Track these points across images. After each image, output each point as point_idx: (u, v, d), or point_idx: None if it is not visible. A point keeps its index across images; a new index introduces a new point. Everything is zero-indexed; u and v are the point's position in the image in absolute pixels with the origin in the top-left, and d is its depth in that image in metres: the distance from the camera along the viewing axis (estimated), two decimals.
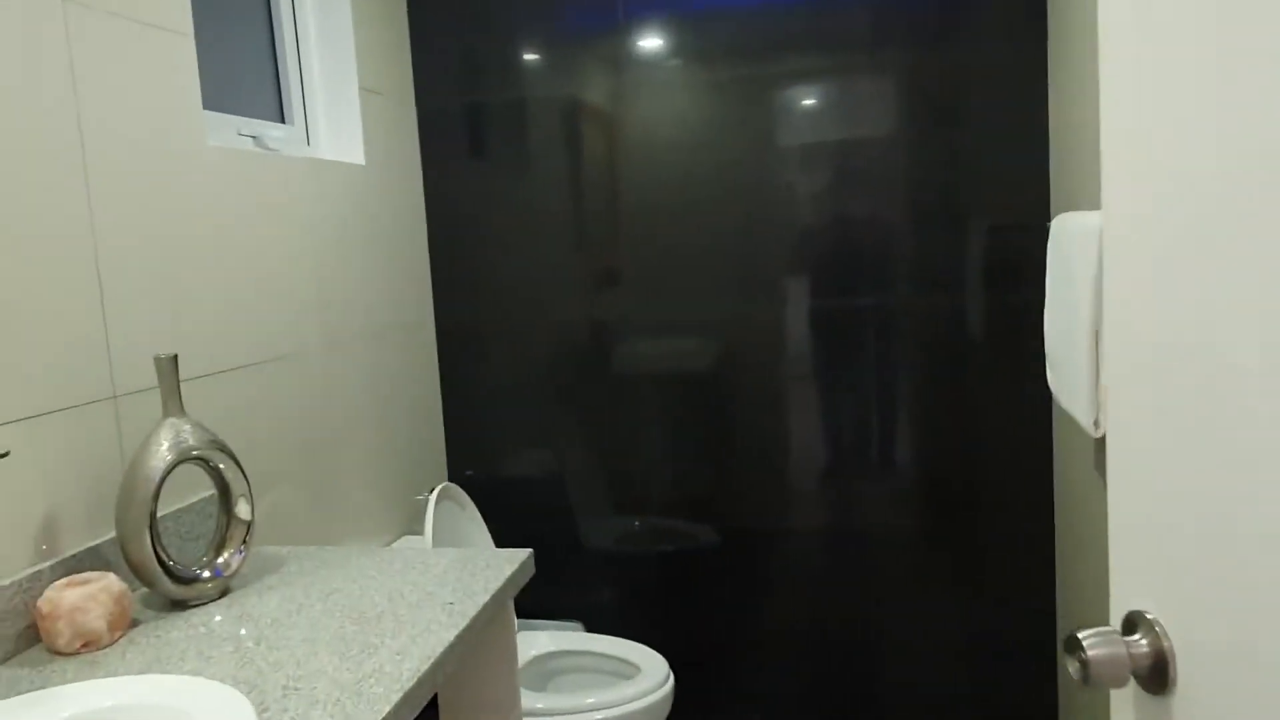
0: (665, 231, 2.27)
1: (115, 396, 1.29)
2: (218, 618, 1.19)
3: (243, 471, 1.29)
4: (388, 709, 0.92)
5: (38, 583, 1.14)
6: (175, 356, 1.21)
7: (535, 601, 2.41)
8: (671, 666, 2.33)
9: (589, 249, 2.31)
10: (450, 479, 2.44)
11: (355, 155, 2.03)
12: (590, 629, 2.36)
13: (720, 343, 2.28)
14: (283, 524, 1.68)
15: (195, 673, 1.03)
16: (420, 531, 2.19)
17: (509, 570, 1.29)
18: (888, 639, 2.30)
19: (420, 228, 2.32)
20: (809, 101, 2.14)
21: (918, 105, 2.11)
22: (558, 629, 2.30)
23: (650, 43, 2.19)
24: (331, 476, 1.86)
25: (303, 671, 1.01)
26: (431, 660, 1.02)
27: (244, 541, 1.27)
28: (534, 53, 2.26)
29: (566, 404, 2.37)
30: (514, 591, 1.29)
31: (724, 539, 2.35)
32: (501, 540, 2.38)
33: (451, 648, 1.07)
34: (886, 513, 2.26)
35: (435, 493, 1.93)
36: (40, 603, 1.10)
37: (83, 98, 1.26)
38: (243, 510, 1.28)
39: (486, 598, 1.20)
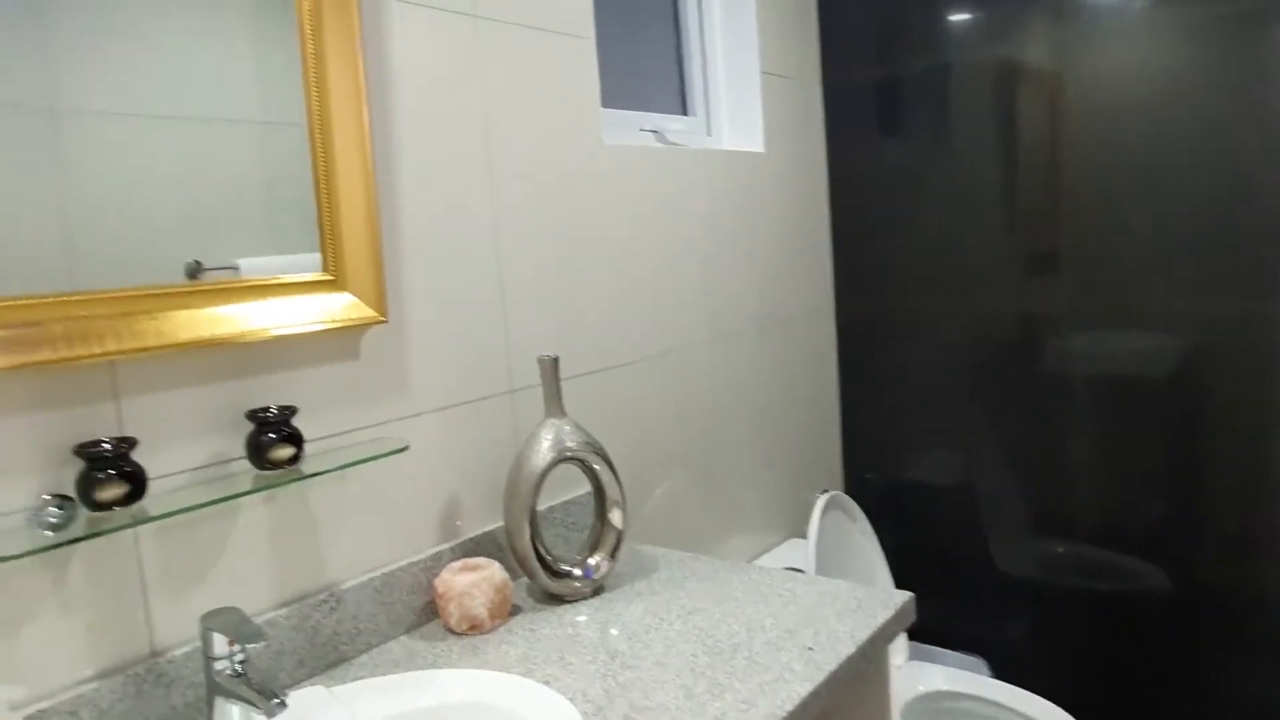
0: (1118, 208, 1.87)
1: (512, 391, 1.37)
2: (582, 618, 1.20)
3: (616, 477, 1.28)
4: None
5: (439, 562, 1.24)
6: (556, 359, 1.24)
7: (934, 625, 2.17)
8: None
9: (1021, 230, 1.99)
10: (846, 480, 2.29)
11: (755, 143, 1.96)
12: (995, 670, 2.07)
13: (1185, 342, 1.82)
14: (667, 517, 1.69)
15: (556, 677, 1.03)
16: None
17: (882, 618, 1.12)
18: None
19: (822, 214, 2.19)
20: None
21: None
22: (956, 664, 2.05)
23: None
24: (718, 472, 1.83)
25: (648, 703, 0.96)
26: (779, 719, 0.91)
27: (614, 550, 1.27)
28: (961, 11, 1.99)
29: (984, 406, 2.09)
30: (887, 643, 1.12)
31: (1179, 588, 1.89)
32: (899, 553, 2.18)
33: (804, 705, 0.94)
34: None
35: (821, 503, 1.81)
36: (436, 582, 1.19)
37: (490, 107, 1.33)
38: (615, 517, 1.27)
39: (851, 649, 1.05)
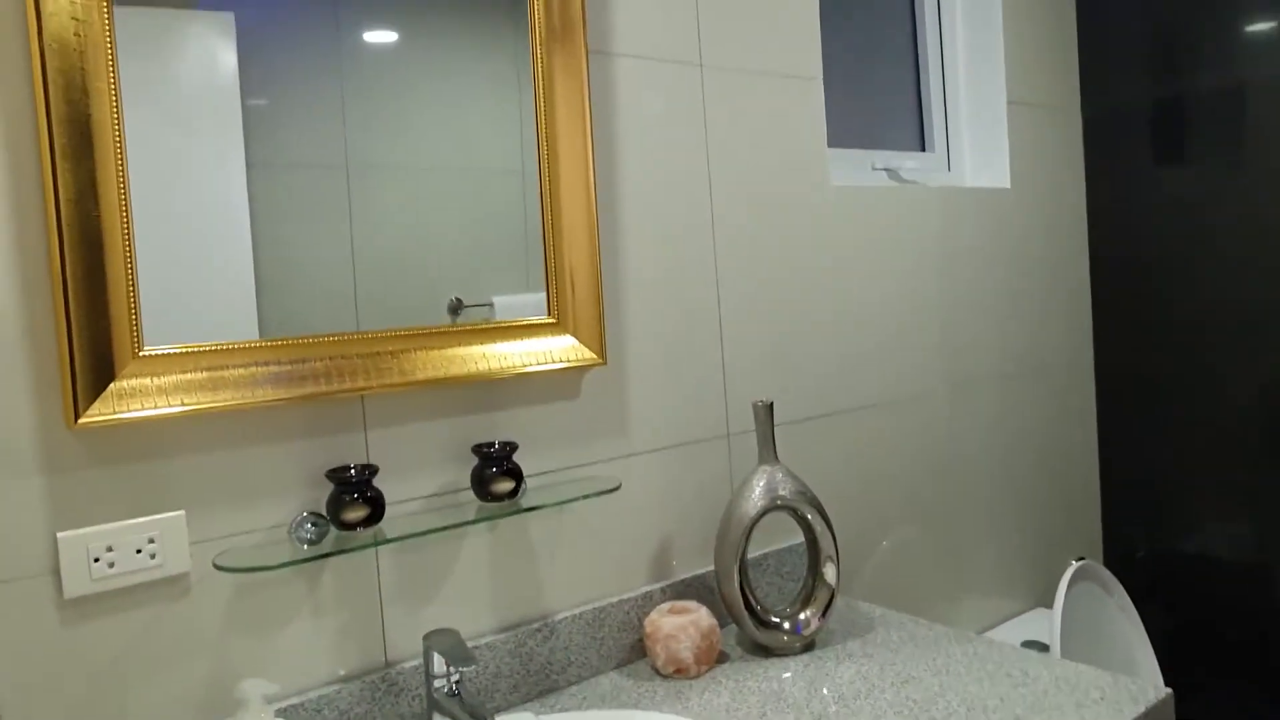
0: None
1: (729, 435, 1.37)
2: (788, 674, 1.16)
3: (831, 529, 1.23)
4: None
5: (649, 602, 1.26)
6: (770, 404, 1.22)
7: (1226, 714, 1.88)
8: None
9: None
10: (1107, 548, 2.06)
11: (1000, 178, 1.83)
12: None
13: None
14: (892, 574, 1.60)
15: None
16: None
17: (1130, 714, 0.98)
18: None
19: (1080, 253, 2.00)
20: None
21: None
22: None
23: None
24: (953, 529, 1.71)
25: None
26: None
27: (826, 607, 1.22)
28: (1262, 18, 1.75)
29: (1273, 467, 1.79)
30: None
31: None
32: (1169, 637, 1.92)
33: None
34: None
35: (1070, 572, 1.63)
36: (645, 622, 1.20)
37: (712, 151, 1.35)
38: (828, 573, 1.23)
39: None
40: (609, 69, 1.23)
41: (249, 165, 0.93)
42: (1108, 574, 1.74)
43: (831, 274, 1.51)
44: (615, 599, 1.23)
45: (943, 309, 1.69)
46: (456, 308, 1.08)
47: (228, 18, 0.92)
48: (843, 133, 1.67)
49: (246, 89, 0.93)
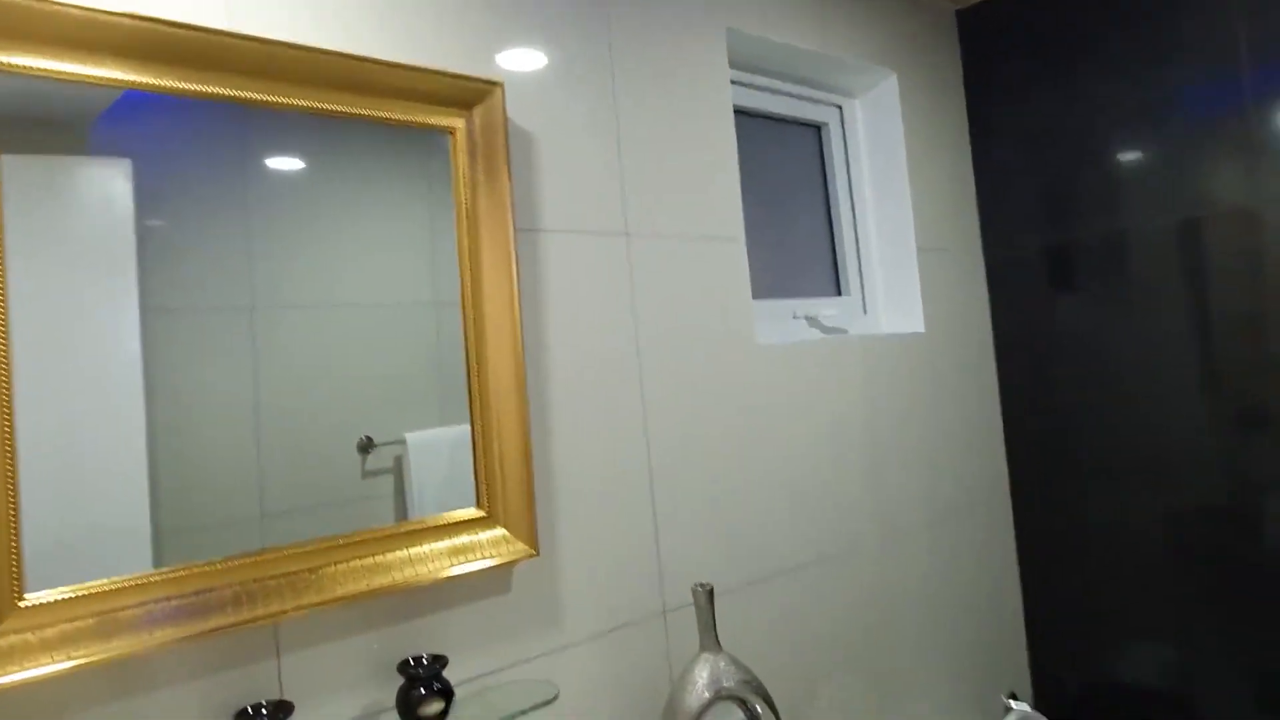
0: None
1: (664, 612, 1.31)
2: None
3: (777, 716, 1.18)
4: None
5: None
6: (711, 589, 1.18)
7: None
8: None
9: (1223, 388, 1.79)
10: (1035, 681, 2.06)
11: (915, 323, 1.88)
12: None
13: None
14: None
15: None
16: None
17: None
18: None
19: (991, 392, 2.06)
20: None
21: None
22: None
23: None
24: (889, 677, 1.68)
25: None
26: None
27: None
28: (1137, 169, 1.88)
29: (1199, 591, 1.83)
30: None
31: None
32: None
33: None
34: None
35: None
36: None
37: (641, 318, 1.33)
38: None
39: None
40: (536, 244, 1.21)
41: (143, 311, 0.86)
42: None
43: (761, 434, 1.49)
44: None
45: (868, 457, 1.69)
46: (366, 446, 1.01)
47: (124, 163, 0.87)
48: (764, 284, 1.70)
49: (144, 232, 0.87)
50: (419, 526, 1.03)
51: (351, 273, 1.02)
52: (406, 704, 0.96)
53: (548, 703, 1.04)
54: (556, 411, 1.21)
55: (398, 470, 1.04)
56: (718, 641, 1.18)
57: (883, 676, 1.67)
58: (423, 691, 0.96)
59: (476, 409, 1.10)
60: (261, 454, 0.93)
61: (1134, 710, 1.93)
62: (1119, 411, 1.92)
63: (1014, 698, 1.79)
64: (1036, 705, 2.08)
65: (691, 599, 1.34)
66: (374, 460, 1.02)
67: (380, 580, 0.98)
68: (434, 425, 1.07)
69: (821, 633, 1.56)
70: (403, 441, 1.05)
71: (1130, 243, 1.90)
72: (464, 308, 1.10)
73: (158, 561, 0.86)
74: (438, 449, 1.07)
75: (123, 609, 0.81)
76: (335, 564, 0.96)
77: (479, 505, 1.09)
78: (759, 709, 1.17)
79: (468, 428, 1.09)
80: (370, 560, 0.98)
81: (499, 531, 1.09)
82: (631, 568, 1.28)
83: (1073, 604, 2.01)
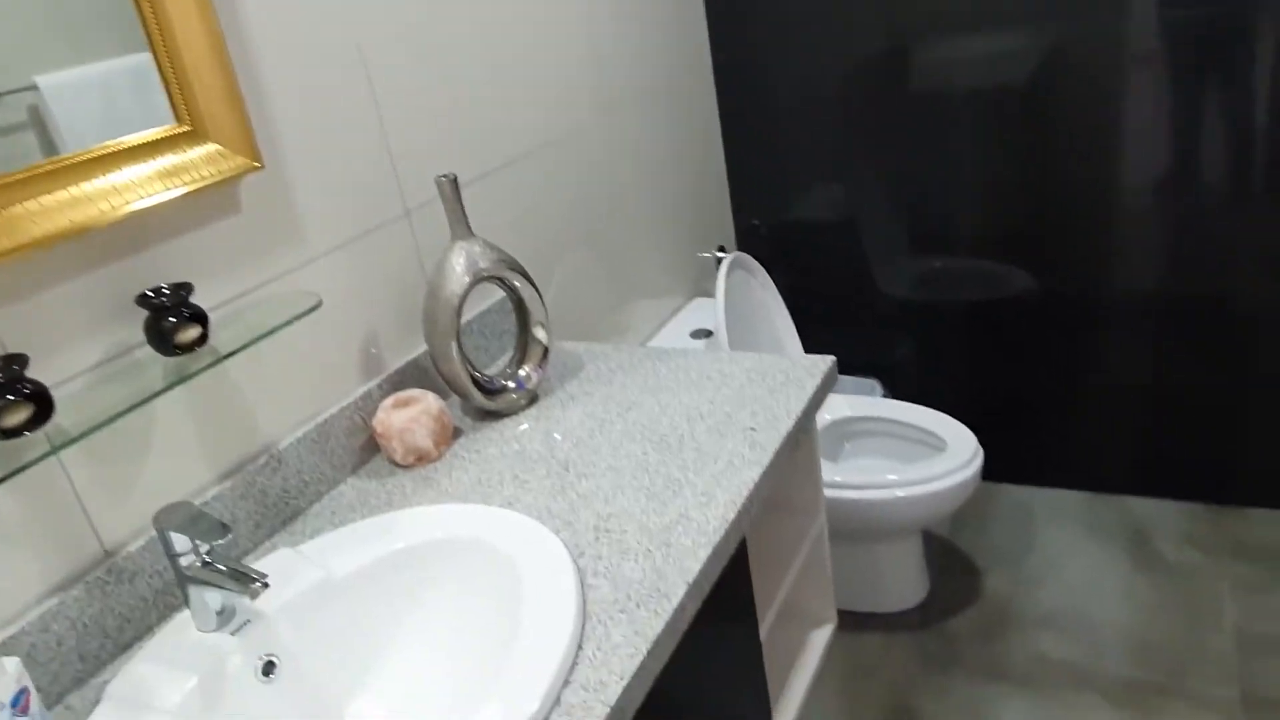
0: None
1: (407, 213, 1.29)
2: (524, 426, 1.23)
3: (538, 291, 1.26)
4: (697, 568, 0.90)
5: (369, 401, 1.22)
6: (455, 178, 1.16)
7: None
8: (976, 428, 2.21)
9: None
10: (737, 232, 2.33)
11: None
12: (888, 386, 2.26)
13: (1047, 41, 1.85)
14: (571, 298, 1.69)
15: (513, 499, 1.07)
16: (711, 293, 2.14)
17: (811, 387, 1.19)
18: (1253, 398, 1.98)
19: None
20: None
21: None
22: (854, 390, 2.23)
23: None
24: (617, 245, 1.82)
25: (611, 509, 1.01)
26: (738, 507, 0.98)
27: (541, 361, 1.27)
28: None
29: (859, 131, 2.10)
30: (818, 408, 1.20)
31: (1041, 283, 2.07)
32: (794, 293, 2.27)
33: (757, 489, 1.02)
34: (1257, 250, 1.84)
35: (724, 266, 1.84)
36: (374, 424, 1.18)
37: None
38: (539, 333, 1.27)
39: (790, 424, 1.12)
40: None
41: None
42: (751, 259, 1.99)
43: (479, 24, 1.39)
44: (335, 409, 1.18)
45: (585, 38, 1.66)
46: None
47: None
48: None
49: None
50: (114, 149, 0.89)
51: None
52: (159, 334, 0.91)
53: (311, 310, 1.02)
54: (253, 10, 1.04)
55: (38, 124, 0.86)
56: (469, 229, 1.20)
57: (613, 249, 1.81)
58: (173, 320, 0.90)
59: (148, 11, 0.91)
60: None
61: (813, 237, 2.26)
62: None
63: (722, 250, 2.03)
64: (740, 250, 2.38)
65: (436, 191, 1.32)
66: None
67: (83, 214, 0.86)
68: (73, 64, 0.88)
69: (555, 215, 1.62)
70: (33, 87, 0.85)
71: None
72: None
73: None
74: (86, 90, 0.88)
75: None
76: (18, 203, 0.82)
77: (179, 121, 0.95)
78: (518, 284, 1.24)
79: (123, 60, 0.90)
80: (64, 195, 0.85)
81: (211, 147, 0.98)
82: (366, 174, 1.22)
83: (765, 162, 2.23)
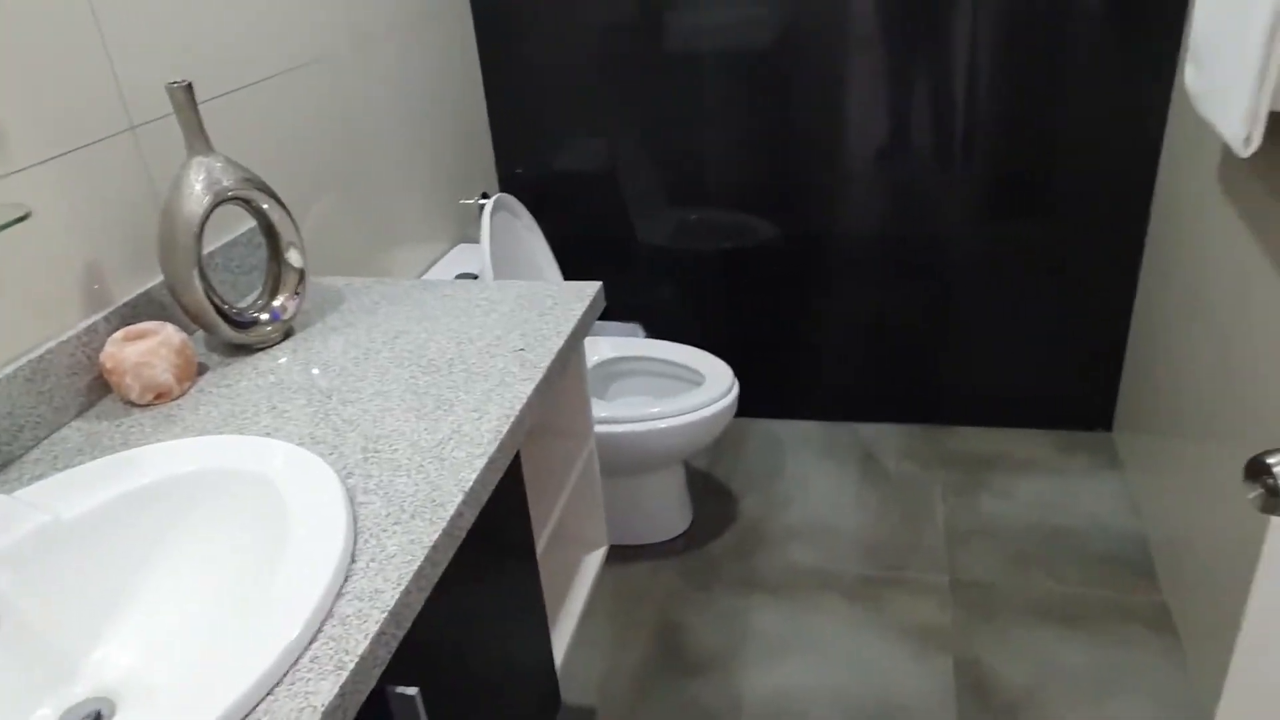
0: None
1: (133, 128, 1.16)
2: (283, 360, 1.16)
3: (289, 214, 1.18)
4: (473, 477, 0.90)
5: (95, 336, 1.10)
6: (189, 85, 1.06)
7: None
8: (732, 364, 2.36)
9: None
10: (500, 177, 2.31)
11: None
12: (649, 329, 2.36)
13: (787, 11, 1.99)
14: (325, 242, 1.61)
15: (272, 429, 1.01)
16: (475, 239, 2.12)
17: (579, 310, 1.22)
18: (953, 333, 2.27)
19: None
20: None
21: None
22: (617, 333, 2.30)
23: None
24: (377, 187, 1.75)
25: (380, 431, 0.99)
26: (511, 420, 0.99)
27: (297, 288, 1.20)
28: None
29: (616, 88, 2.16)
30: (586, 331, 1.23)
31: (785, 233, 2.24)
32: (558, 240, 2.30)
33: (529, 404, 1.03)
34: (959, 205, 2.11)
35: (489, 206, 1.82)
36: (103, 358, 1.06)
37: None
38: (293, 258, 1.19)
39: (560, 343, 1.14)
40: None
41: None
42: (516, 201, 1.98)
43: None
44: (51, 344, 1.05)
45: None
46: None
47: None
48: None
49: None
50: None
51: None
52: None
53: (19, 220, 0.89)
54: None
55: None
56: (209, 144, 1.10)
57: (374, 191, 1.73)
58: None
59: None
60: None
61: (575, 188, 2.30)
62: None
63: (485, 196, 2.01)
64: None
65: (169, 107, 1.20)
66: None
67: None
68: None
69: (310, 153, 1.53)
70: None
71: None
72: None
73: None
74: None
75: None
76: None
77: None
78: (266, 206, 1.16)
79: None
80: None
81: None
82: (80, 83, 1.08)
83: (527, 113, 2.22)
